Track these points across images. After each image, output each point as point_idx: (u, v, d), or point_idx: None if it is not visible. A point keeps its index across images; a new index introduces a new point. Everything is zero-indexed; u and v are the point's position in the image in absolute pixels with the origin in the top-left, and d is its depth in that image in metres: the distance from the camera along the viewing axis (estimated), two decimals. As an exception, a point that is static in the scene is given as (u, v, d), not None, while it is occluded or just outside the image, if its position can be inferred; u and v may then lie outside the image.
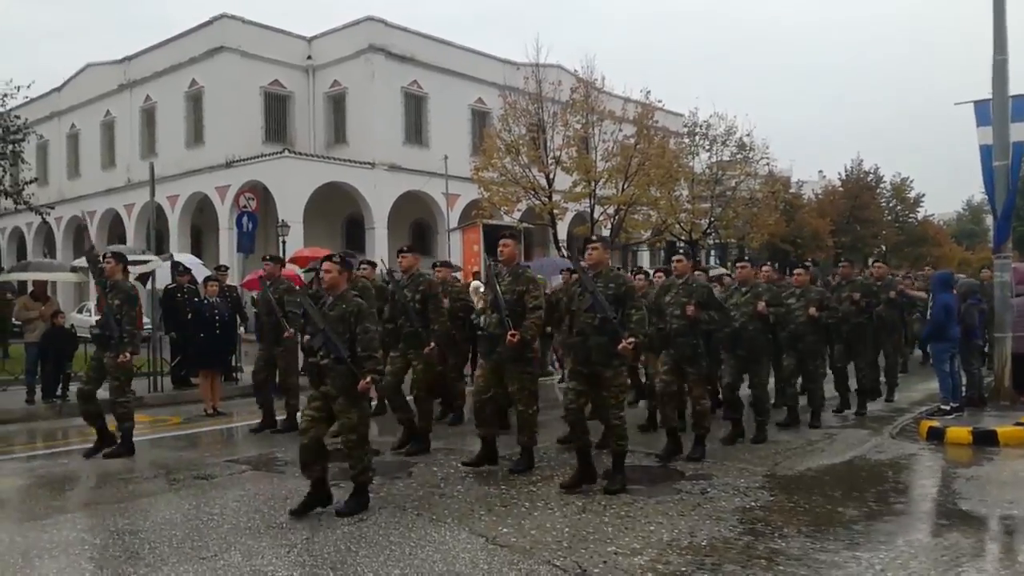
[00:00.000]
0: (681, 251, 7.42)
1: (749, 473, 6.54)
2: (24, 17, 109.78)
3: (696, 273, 8.95)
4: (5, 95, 21.34)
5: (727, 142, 29.92)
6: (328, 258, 5.66)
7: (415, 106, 30.22)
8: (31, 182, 23.85)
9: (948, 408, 8.90)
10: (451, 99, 30.60)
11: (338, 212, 29.07)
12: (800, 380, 8.98)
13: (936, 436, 7.95)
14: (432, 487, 6.09)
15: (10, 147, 22.44)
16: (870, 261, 27.15)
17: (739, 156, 30.08)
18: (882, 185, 42.40)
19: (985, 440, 7.71)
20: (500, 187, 23.55)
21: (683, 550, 4.61)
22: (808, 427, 8.45)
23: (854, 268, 10.20)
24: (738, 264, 8.35)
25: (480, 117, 31.33)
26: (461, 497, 5.81)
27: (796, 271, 9.01)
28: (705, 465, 6.80)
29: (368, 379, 5.20)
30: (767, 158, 30.87)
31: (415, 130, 30.21)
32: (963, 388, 9.54)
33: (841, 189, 41.30)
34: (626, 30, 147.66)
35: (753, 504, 5.62)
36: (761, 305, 7.70)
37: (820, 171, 51.04)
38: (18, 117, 22.66)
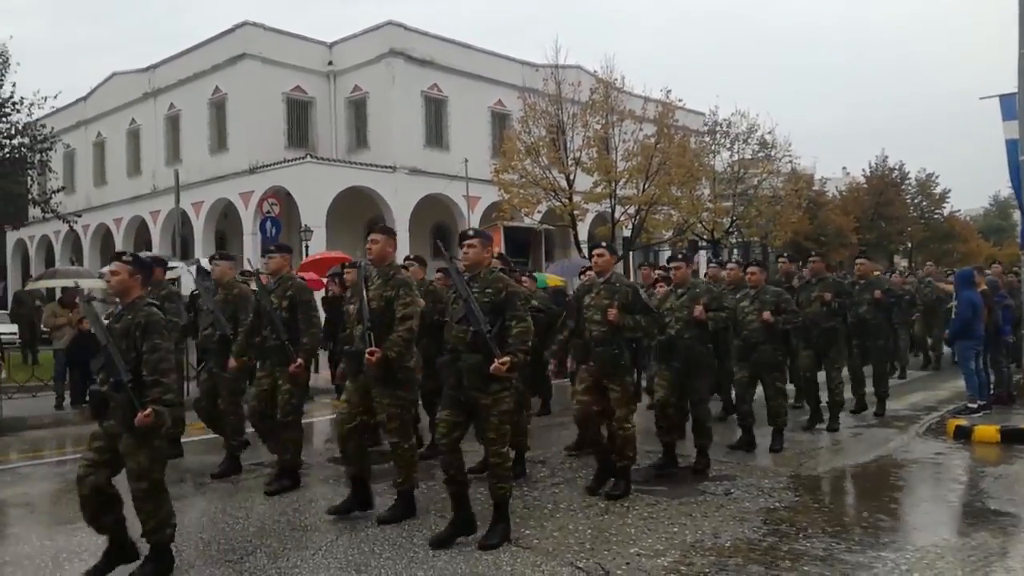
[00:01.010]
0: (603, 244, 6.16)
1: (773, 474, 6.51)
2: (49, 32, 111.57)
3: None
4: (32, 105, 21.67)
5: (748, 140, 29.74)
6: (117, 256, 4.58)
7: (435, 109, 30.31)
8: (59, 191, 24.22)
9: (975, 406, 8.80)
10: (471, 102, 30.66)
11: (360, 216, 29.18)
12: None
13: (963, 435, 7.87)
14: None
15: (38, 156, 22.79)
16: (895, 259, 26.83)
17: (761, 154, 29.88)
18: (907, 181, 41.96)
19: (1014, 438, 7.62)
20: (520, 189, 23.57)
21: (707, 551, 4.60)
22: (769, 451, 7.32)
23: (827, 264, 9.46)
24: (672, 264, 7.03)
25: (500, 119, 31.36)
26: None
27: (750, 269, 7.79)
28: (728, 466, 6.78)
29: (149, 411, 4.06)
30: (789, 156, 30.66)
31: (435, 133, 30.30)
32: (991, 386, 9.42)
33: (865, 186, 40.92)
34: (648, 33, 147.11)
35: (777, 505, 5.59)
36: (698, 309, 6.51)
37: (844, 168, 50.55)
38: (44, 127, 22.99)
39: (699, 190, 27.07)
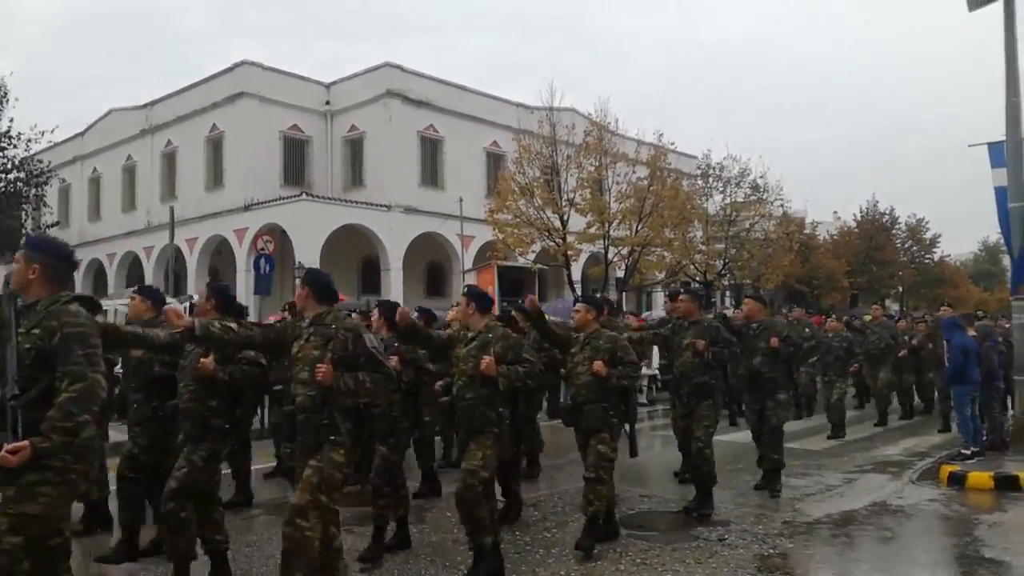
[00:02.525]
0: (305, 274, 4.59)
1: (767, 519, 6.46)
2: (52, 65, 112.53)
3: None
4: (30, 140, 21.83)
5: (740, 184, 30.01)
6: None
7: (431, 149, 30.56)
8: (53, 225, 24.29)
9: (969, 452, 8.78)
10: (466, 142, 30.95)
11: (354, 254, 29.28)
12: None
13: (957, 481, 7.84)
14: (446, 532, 6.04)
15: (33, 191, 22.90)
16: (887, 302, 26.91)
17: (753, 198, 30.13)
18: (897, 226, 42.37)
19: (1007, 485, 7.60)
20: (514, 228, 23.67)
21: (700, 599, 4.54)
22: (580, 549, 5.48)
23: (699, 303, 7.32)
24: (456, 306, 5.55)
25: (495, 160, 31.62)
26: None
27: (576, 307, 6.07)
28: (722, 510, 6.72)
29: None
30: (781, 199, 30.93)
31: (431, 173, 30.51)
32: (983, 432, 9.42)
33: (856, 230, 41.28)
34: (645, 68, 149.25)
35: (772, 551, 5.55)
36: (487, 361, 4.95)
37: (835, 212, 50.95)
38: (40, 161, 23.12)
39: (692, 232, 27.25)
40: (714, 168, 30.23)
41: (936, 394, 12.89)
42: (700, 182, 30.79)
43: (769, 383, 7.45)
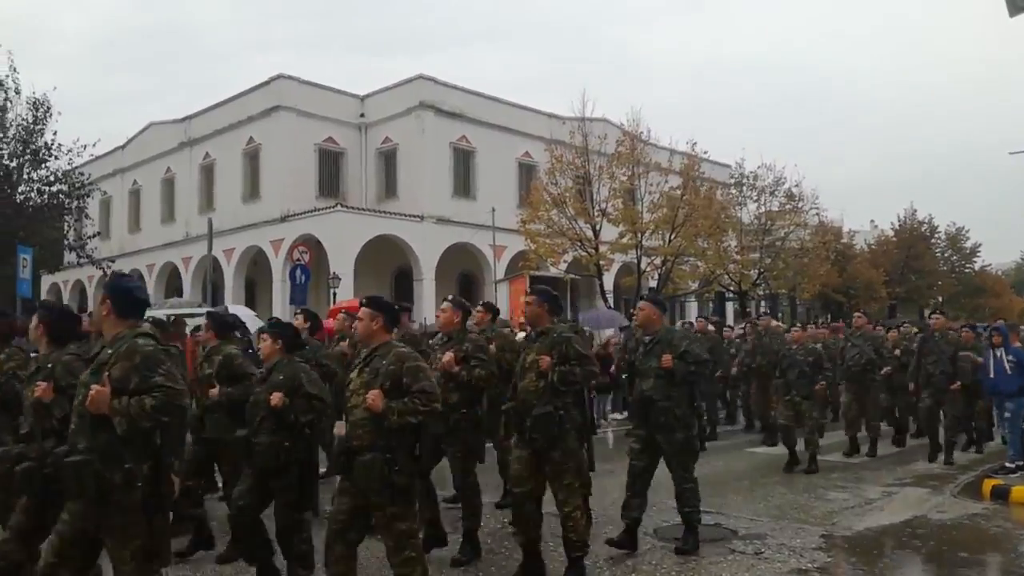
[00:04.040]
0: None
1: (805, 532, 6.38)
2: (93, 83, 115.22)
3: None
4: (71, 152, 22.33)
5: (775, 192, 29.76)
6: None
7: (463, 160, 30.73)
8: (94, 236, 24.77)
9: (1013, 466, 8.59)
10: (498, 153, 31.07)
11: (388, 264, 29.49)
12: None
13: (1000, 495, 7.67)
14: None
15: (75, 203, 23.41)
16: (926, 312, 26.46)
17: (788, 206, 29.86)
18: (937, 235, 41.70)
19: (1053, 500, 7.42)
20: (546, 238, 23.71)
21: (737, 613, 4.50)
22: None
23: (549, 306, 5.29)
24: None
25: (527, 170, 31.69)
26: (507, 554, 5.76)
27: (362, 311, 4.37)
28: (759, 523, 6.65)
29: None
30: (817, 208, 30.62)
31: (463, 183, 30.68)
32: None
33: (895, 239, 40.71)
34: (675, 82, 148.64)
35: (810, 566, 5.47)
36: (94, 392, 3.27)
37: (872, 221, 50.38)
38: (82, 174, 23.63)
39: (725, 242, 27.07)
40: (748, 177, 30.03)
41: (918, 416, 11.18)
42: (734, 191, 30.58)
43: (662, 415, 5.71)
